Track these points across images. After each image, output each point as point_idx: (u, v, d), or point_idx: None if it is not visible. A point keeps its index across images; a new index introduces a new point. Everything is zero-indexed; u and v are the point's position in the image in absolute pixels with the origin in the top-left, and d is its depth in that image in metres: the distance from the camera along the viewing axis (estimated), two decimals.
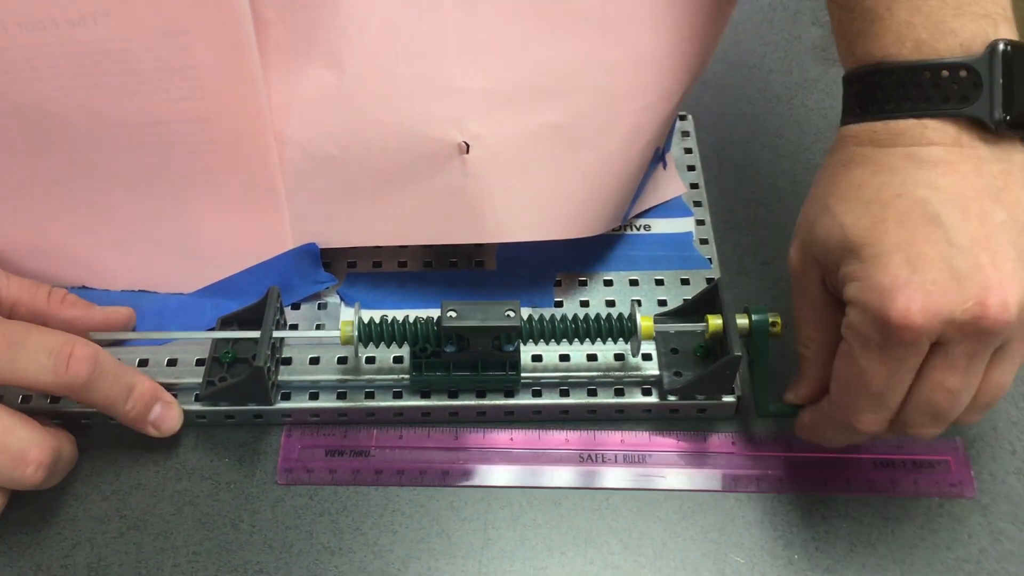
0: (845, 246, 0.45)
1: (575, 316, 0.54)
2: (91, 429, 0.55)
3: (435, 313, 0.54)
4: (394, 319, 0.54)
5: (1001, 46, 0.44)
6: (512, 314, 0.52)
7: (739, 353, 0.52)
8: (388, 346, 0.54)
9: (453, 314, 0.52)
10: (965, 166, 0.44)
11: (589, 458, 0.55)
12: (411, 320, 0.54)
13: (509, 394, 0.56)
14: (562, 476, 0.54)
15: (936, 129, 0.45)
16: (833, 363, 0.48)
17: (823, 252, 0.47)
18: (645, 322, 0.54)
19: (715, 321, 0.53)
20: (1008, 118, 0.44)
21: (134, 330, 0.57)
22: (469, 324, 0.52)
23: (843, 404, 0.47)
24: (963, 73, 0.44)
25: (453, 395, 0.56)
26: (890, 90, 0.46)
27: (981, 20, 0.44)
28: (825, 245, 0.47)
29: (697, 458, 0.55)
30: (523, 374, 0.55)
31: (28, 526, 0.52)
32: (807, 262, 0.49)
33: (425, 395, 0.56)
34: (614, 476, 0.54)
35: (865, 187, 0.46)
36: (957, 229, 0.43)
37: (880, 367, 0.44)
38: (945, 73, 0.44)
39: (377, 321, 0.54)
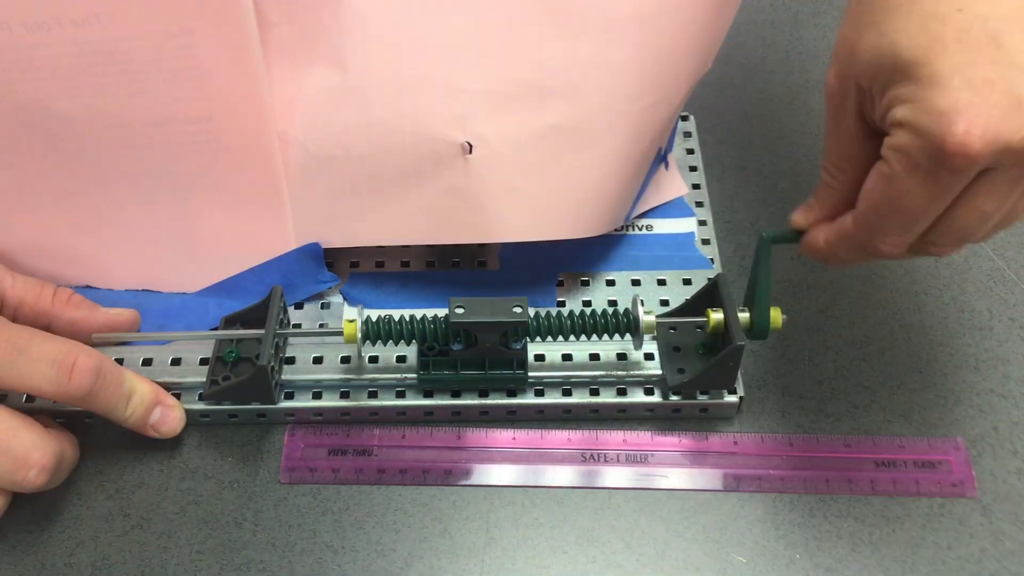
0: (897, 66, 0.42)
1: (581, 312, 0.54)
2: (94, 428, 0.55)
3: (441, 312, 0.54)
4: (400, 317, 0.54)
5: None
6: (519, 310, 0.52)
7: (742, 343, 0.52)
8: (393, 344, 0.54)
9: (461, 310, 0.52)
10: None
11: (591, 457, 0.54)
12: (418, 318, 0.54)
13: (512, 393, 0.56)
14: (564, 475, 0.54)
15: None
16: (864, 185, 0.45)
17: (869, 74, 0.43)
18: (647, 315, 0.53)
19: (716, 315, 0.53)
20: None
21: (138, 331, 0.57)
22: (477, 320, 0.52)
23: (871, 225, 0.45)
24: None
25: (456, 394, 0.56)
26: None
27: None
28: (873, 65, 0.43)
29: (699, 458, 0.55)
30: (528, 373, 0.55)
31: (32, 525, 0.52)
32: (846, 88, 0.45)
33: (428, 394, 0.56)
34: (616, 476, 0.54)
35: (919, 1, 0.42)
36: (1020, 50, 0.40)
37: (922, 191, 0.42)
38: None
39: (381, 320, 0.54)
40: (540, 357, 0.56)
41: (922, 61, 0.41)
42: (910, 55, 0.41)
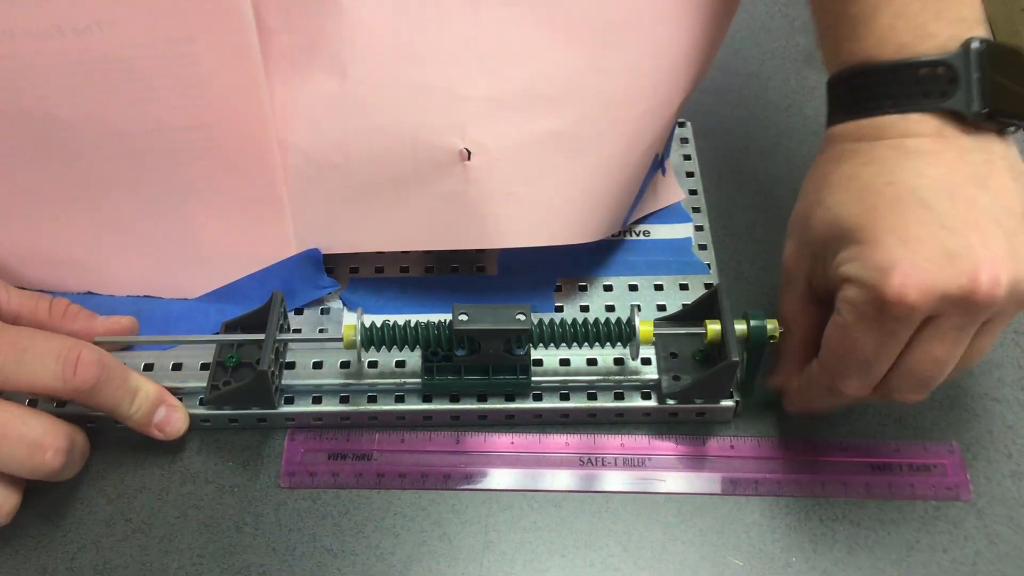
0: (841, 234, 0.47)
1: (584, 320, 0.54)
2: (96, 433, 0.54)
3: (439, 317, 0.54)
4: (403, 323, 0.54)
5: (975, 44, 0.46)
6: (523, 317, 0.52)
7: (737, 359, 0.51)
8: (389, 350, 0.54)
9: (464, 317, 0.52)
10: (949, 155, 0.46)
11: (589, 462, 0.54)
12: (423, 324, 0.53)
13: (510, 398, 0.55)
14: (562, 479, 0.54)
15: (919, 122, 0.47)
16: (824, 333, 0.49)
17: (818, 243, 0.49)
18: (644, 326, 0.53)
19: (714, 327, 0.53)
20: (986, 111, 0.46)
21: (139, 335, 0.57)
22: (480, 327, 0.52)
23: (832, 370, 0.49)
24: (940, 70, 0.46)
25: (455, 399, 0.55)
26: (873, 89, 0.48)
27: (958, 23, 0.47)
28: (821, 236, 0.48)
29: (696, 461, 0.54)
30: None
31: (33, 529, 0.52)
32: (800, 258, 0.51)
33: (427, 399, 0.55)
34: (614, 479, 0.54)
35: (856, 178, 0.47)
36: (947, 212, 0.44)
37: (872, 338, 0.46)
38: (924, 71, 0.47)
39: (379, 325, 0.53)
40: (538, 362, 0.56)
41: (861, 226, 0.46)
42: (851, 223, 0.46)
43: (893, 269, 0.43)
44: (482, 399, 0.55)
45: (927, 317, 0.44)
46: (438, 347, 0.53)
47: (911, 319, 0.44)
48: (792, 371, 0.53)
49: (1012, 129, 0.47)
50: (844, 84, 0.50)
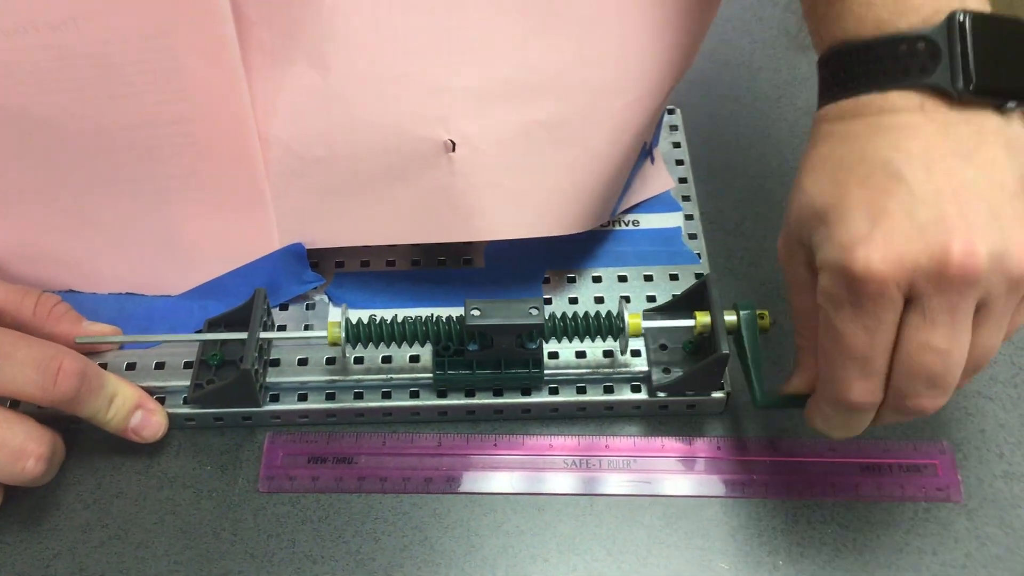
0: (814, 215, 0.43)
1: (586, 314, 0.51)
2: (73, 435, 0.51)
3: (424, 312, 0.51)
4: (393, 318, 0.51)
5: (959, 16, 0.41)
6: (535, 311, 0.49)
7: (726, 351, 0.48)
8: (376, 346, 0.51)
9: (476, 312, 0.49)
10: (930, 128, 0.41)
11: (573, 464, 0.51)
12: (433, 319, 0.50)
13: (498, 393, 0.52)
14: (545, 482, 0.50)
15: (899, 98, 0.42)
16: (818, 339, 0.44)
17: (800, 229, 0.44)
18: (633, 319, 0.50)
19: (703, 318, 0.50)
20: (971, 87, 0.40)
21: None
22: (492, 322, 0.49)
23: (833, 379, 0.43)
24: (921, 45, 0.41)
25: (442, 395, 0.52)
26: (853, 69, 0.43)
27: None
28: (801, 220, 0.44)
29: (681, 463, 0.51)
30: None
31: (9, 535, 0.48)
32: (791, 247, 0.46)
33: (415, 395, 0.52)
34: (598, 482, 0.50)
35: (830, 157, 0.43)
36: (920, 183, 0.40)
37: (856, 327, 0.41)
38: (903, 47, 0.42)
39: (365, 321, 0.50)
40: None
41: (831, 206, 0.42)
42: (822, 203, 0.42)
43: (859, 243, 0.39)
44: (470, 394, 0.52)
45: (910, 299, 0.40)
46: (449, 342, 0.50)
47: (887, 296, 0.40)
48: (805, 384, 0.48)
49: (1011, 105, 0.41)
50: (827, 65, 0.45)
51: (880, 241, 0.39)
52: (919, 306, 0.40)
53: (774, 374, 0.51)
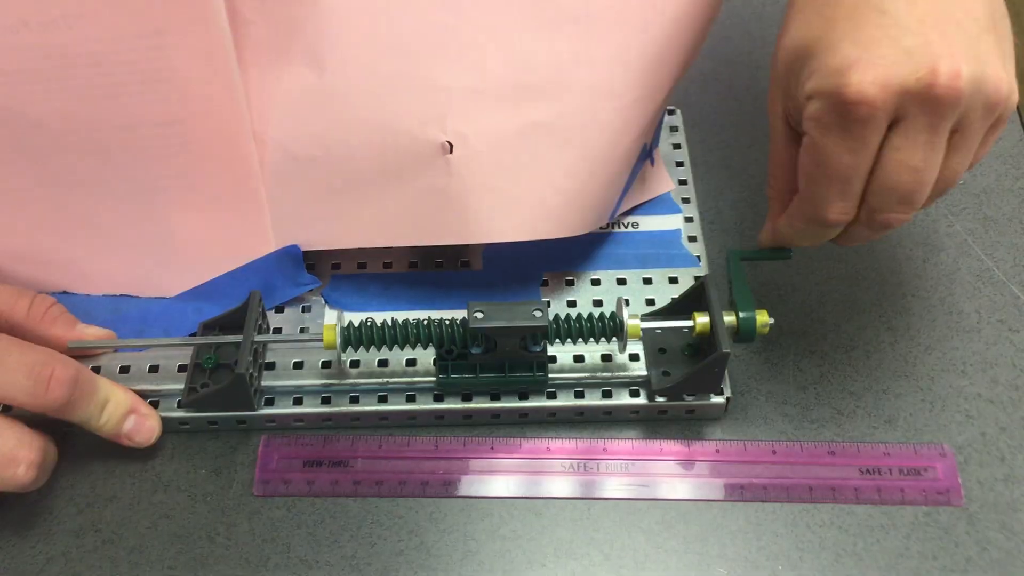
0: (804, 51, 0.44)
1: (589, 315, 0.50)
2: (66, 439, 0.50)
3: (422, 315, 0.50)
4: (375, 321, 0.50)
5: None
6: (539, 313, 0.48)
7: (727, 350, 0.47)
8: (368, 349, 0.50)
9: (480, 315, 0.48)
10: None
11: (571, 468, 0.50)
12: (435, 321, 0.50)
13: (495, 397, 0.51)
14: (543, 486, 0.49)
15: None
16: (798, 162, 0.47)
17: (786, 70, 0.46)
18: (632, 319, 0.49)
19: (702, 320, 0.49)
20: None
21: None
22: (496, 324, 0.48)
23: (811, 196, 0.46)
24: None
25: (438, 398, 0.51)
26: None
27: None
28: (787, 61, 0.46)
29: (680, 467, 0.50)
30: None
31: (1, 540, 0.48)
32: (775, 96, 0.48)
33: (411, 399, 0.51)
34: (596, 485, 0.49)
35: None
36: (904, 15, 0.42)
37: (842, 149, 0.43)
38: None
39: (359, 324, 0.50)
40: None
41: (819, 38, 0.43)
42: (811, 38, 0.44)
43: (850, 68, 0.41)
44: (467, 399, 0.51)
45: (893, 121, 0.42)
46: (452, 345, 0.50)
47: (875, 119, 0.42)
48: (780, 216, 0.50)
49: None
50: None
51: (870, 65, 0.41)
52: (902, 128, 0.42)
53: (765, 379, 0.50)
